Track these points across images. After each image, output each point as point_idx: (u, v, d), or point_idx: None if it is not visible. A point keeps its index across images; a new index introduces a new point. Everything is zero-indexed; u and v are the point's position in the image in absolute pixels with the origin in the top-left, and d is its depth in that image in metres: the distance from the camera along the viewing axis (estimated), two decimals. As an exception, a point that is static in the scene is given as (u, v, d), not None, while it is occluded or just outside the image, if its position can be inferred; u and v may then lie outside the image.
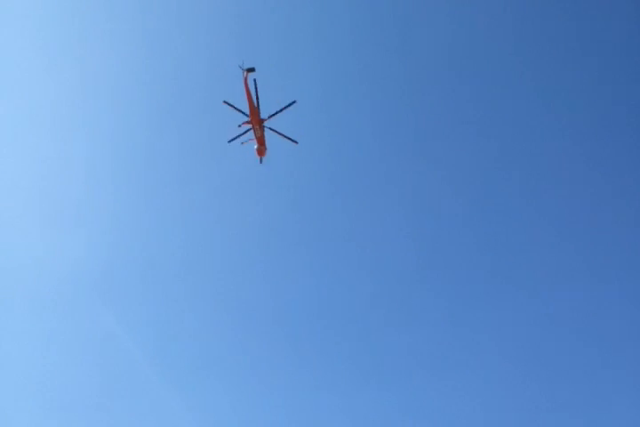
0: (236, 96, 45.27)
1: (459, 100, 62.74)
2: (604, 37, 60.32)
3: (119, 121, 63.75)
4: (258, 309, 63.27)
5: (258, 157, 47.73)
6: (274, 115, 45.74)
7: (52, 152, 64.19)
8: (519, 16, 61.72)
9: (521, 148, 62.43)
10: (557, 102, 61.33)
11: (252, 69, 44.73)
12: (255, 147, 47.30)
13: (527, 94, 62.01)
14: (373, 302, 63.29)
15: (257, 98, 44.91)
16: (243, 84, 44.52)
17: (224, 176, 61.33)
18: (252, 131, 46.38)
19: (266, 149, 47.37)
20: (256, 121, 45.92)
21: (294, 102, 44.93)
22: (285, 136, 46.36)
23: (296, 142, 46.58)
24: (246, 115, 45.39)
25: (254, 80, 44.30)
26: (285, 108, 45.28)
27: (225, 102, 45.31)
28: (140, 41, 62.83)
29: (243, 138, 46.80)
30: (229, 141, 47.13)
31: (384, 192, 63.77)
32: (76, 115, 64.25)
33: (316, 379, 61.77)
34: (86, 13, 63.06)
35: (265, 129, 46.35)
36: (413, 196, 63.65)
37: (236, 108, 45.48)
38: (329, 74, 62.53)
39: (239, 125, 46.45)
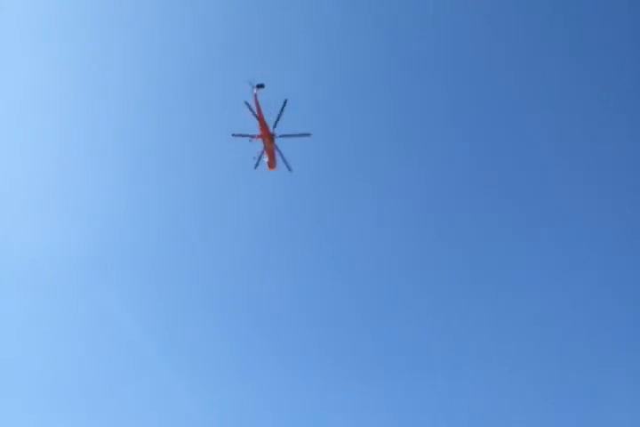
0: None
1: (457, 100, 63.51)
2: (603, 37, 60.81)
3: (126, 125, 64.61)
4: (258, 301, 64.58)
5: (269, 170, 49.19)
6: (276, 121, 46.71)
7: (58, 145, 64.81)
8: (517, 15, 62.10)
9: (519, 149, 63.30)
10: (556, 102, 62.16)
11: (261, 86, 45.91)
12: (266, 160, 48.70)
13: (526, 95, 62.68)
14: (372, 301, 64.67)
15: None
16: (252, 100, 45.87)
17: (230, 176, 62.34)
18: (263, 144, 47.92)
19: (276, 162, 48.71)
20: (266, 135, 47.28)
21: (287, 101, 45.49)
22: (284, 160, 48.06)
23: (290, 170, 48.41)
24: (255, 136, 47.04)
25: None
26: (282, 109, 46.05)
27: (234, 135, 47.27)
28: (150, 46, 63.52)
29: (253, 151, 48.33)
30: (234, 135, 48.05)
31: (384, 193, 64.90)
32: (79, 112, 64.91)
33: (313, 373, 63.51)
34: (90, 14, 63.42)
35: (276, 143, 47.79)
36: (412, 196, 64.76)
37: (244, 135, 47.11)
38: (331, 78, 63.34)
39: (250, 140, 47.85)
